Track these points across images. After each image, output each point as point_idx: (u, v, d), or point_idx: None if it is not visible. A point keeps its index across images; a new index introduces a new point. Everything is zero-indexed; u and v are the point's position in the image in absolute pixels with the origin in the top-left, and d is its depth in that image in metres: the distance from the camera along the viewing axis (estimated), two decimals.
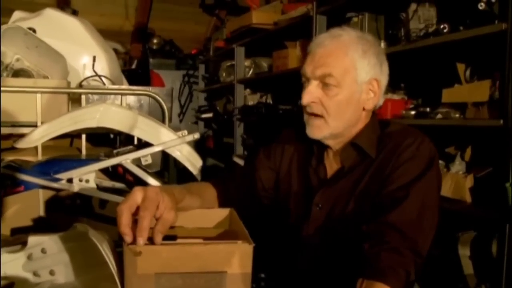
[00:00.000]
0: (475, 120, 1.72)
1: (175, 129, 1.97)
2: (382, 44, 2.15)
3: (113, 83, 2.48)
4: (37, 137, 1.84)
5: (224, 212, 0.99)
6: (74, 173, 1.75)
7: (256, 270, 0.80)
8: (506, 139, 1.54)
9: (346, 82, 1.05)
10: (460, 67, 1.85)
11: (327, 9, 2.48)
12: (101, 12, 4.51)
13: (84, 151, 2.05)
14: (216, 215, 0.99)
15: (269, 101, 3.67)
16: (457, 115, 1.80)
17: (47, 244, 0.89)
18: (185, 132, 1.93)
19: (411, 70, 2.15)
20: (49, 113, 1.95)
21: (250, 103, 3.71)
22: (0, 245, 0.91)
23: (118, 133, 2.30)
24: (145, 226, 0.74)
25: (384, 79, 1.11)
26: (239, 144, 3.83)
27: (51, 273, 0.89)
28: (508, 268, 1.53)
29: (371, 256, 0.89)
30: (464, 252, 1.73)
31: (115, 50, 3.35)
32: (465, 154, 1.88)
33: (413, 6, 1.95)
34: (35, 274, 0.89)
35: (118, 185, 1.92)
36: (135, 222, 0.75)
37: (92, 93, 2.24)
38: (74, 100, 2.20)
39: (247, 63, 3.68)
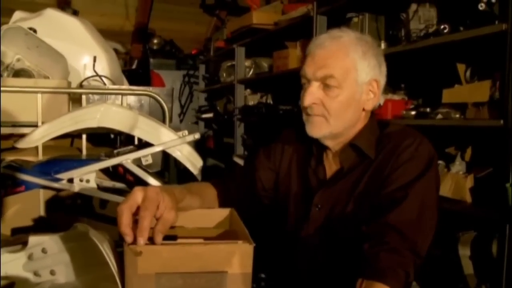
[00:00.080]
0: (475, 121, 1.72)
1: (176, 129, 1.98)
2: (383, 45, 2.16)
3: (114, 83, 2.48)
4: (37, 137, 1.84)
5: (225, 212, 0.99)
6: (75, 173, 1.76)
7: (256, 270, 0.80)
8: (506, 139, 1.54)
9: (347, 83, 1.05)
10: (461, 67, 1.85)
11: (327, 9, 2.48)
12: (101, 12, 4.51)
13: (84, 151, 2.05)
14: (217, 215, 0.99)
15: (270, 101, 3.66)
16: (458, 116, 1.80)
17: (47, 244, 0.89)
18: (186, 132, 1.94)
19: (411, 71, 2.15)
20: (50, 113, 1.95)
21: (251, 103, 3.71)
22: (0, 245, 0.91)
23: (119, 133, 2.30)
24: (145, 226, 0.74)
25: (383, 80, 1.11)
26: (239, 144, 3.82)
27: (52, 273, 0.89)
28: (508, 268, 1.53)
29: (371, 257, 0.89)
30: (464, 252, 1.73)
31: (116, 50, 3.36)
32: (466, 154, 1.88)
33: (414, 7, 1.95)
34: (36, 274, 0.89)
35: (119, 185, 1.93)
36: (135, 222, 0.76)
37: (92, 93, 2.24)
38: (75, 100, 2.21)
39: (247, 63, 3.67)
